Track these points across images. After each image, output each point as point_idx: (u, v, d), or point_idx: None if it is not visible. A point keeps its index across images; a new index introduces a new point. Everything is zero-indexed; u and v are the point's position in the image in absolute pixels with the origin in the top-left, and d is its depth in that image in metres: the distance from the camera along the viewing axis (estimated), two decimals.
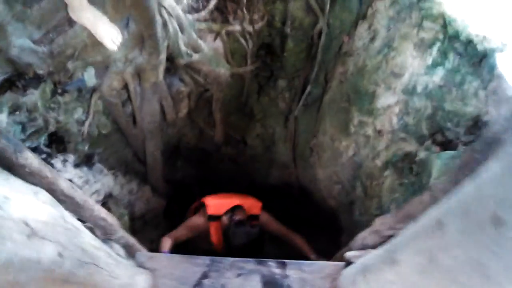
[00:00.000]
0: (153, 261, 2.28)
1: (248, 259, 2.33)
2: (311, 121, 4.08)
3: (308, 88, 3.92)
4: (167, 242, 3.39)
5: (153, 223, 4.46)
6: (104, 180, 3.57)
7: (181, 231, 3.58)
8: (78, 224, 1.44)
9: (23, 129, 2.96)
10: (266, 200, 5.40)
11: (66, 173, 3.19)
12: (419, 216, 1.50)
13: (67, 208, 1.55)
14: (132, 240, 2.37)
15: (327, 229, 5.01)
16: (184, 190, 5.04)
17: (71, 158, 3.26)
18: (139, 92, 3.46)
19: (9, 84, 2.75)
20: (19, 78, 2.87)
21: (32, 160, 1.29)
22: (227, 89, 3.99)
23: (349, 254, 2.20)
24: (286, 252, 4.26)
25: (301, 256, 3.60)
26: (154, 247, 4.41)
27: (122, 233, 2.16)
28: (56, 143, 3.22)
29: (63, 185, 1.50)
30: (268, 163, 4.77)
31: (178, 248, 3.51)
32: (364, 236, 2.09)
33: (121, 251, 2.16)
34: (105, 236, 2.03)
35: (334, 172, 3.81)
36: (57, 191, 1.47)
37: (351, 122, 3.32)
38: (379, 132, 3.03)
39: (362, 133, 3.18)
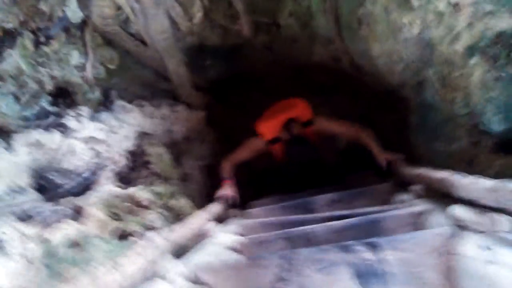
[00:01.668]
0: (212, 274, 1.83)
1: (328, 246, 1.84)
2: None
3: None
4: (227, 167, 3.40)
5: (199, 138, 4.04)
6: (131, 119, 3.09)
7: (242, 154, 3.56)
8: None
9: (16, 100, 2.44)
10: (313, 79, 4.85)
11: (84, 130, 2.71)
12: None
13: None
14: (183, 231, 1.95)
15: (387, 105, 4.43)
16: (220, 89, 4.50)
17: (85, 110, 2.76)
18: (140, 9, 2.77)
19: None
20: None
21: None
22: None
23: (463, 215, 1.68)
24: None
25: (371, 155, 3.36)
26: (207, 163, 4.06)
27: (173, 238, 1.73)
28: (63, 98, 2.70)
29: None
30: (309, 41, 4.07)
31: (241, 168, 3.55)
32: (476, 189, 1.54)
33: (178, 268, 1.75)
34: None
35: (394, 49, 3.11)
36: None
37: None
38: (455, 6, 2.28)
39: (431, 9, 2.42)
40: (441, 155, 3.03)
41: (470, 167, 2.61)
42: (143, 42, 3.02)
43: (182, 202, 3.07)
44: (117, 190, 2.64)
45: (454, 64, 2.40)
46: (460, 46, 2.32)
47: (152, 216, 2.53)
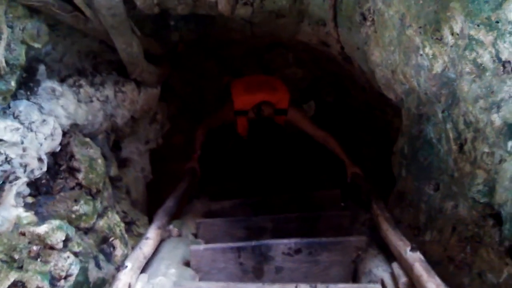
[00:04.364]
0: None
1: None
2: None
3: None
4: (201, 135, 3.51)
5: (147, 118, 3.39)
6: (59, 108, 2.41)
7: (214, 121, 3.70)
8: None
9: None
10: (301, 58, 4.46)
11: None
12: None
13: None
14: None
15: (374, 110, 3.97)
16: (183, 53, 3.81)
17: None
18: None
19: None
20: None
21: None
22: None
23: None
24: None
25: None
26: (155, 145, 3.50)
27: None
28: None
29: None
30: (297, 18, 3.40)
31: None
32: None
33: None
34: None
35: (402, 69, 2.52)
36: None
37: (447, 26, 1.93)
38: (504, 65, 1.69)
39: (470, 56, 1.82)
40: (430, 204, 2.56)
41: (465, 251, 2.15)
42: (84, 13, 2.28)
43: (113, 220, 2.51)
44: (25, 216, 2.03)
45: (483, 135, 1.85)
46: (498, 118, 1.75)
47: (64, 262, 1.98)
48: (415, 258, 1.89)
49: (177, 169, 3.76)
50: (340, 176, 3.49)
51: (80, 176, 2.37)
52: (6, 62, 2.01)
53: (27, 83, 2.31)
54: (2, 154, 2.08)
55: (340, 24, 3.16)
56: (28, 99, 2.28)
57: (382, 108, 3.92)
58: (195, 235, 2.74)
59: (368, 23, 2.77)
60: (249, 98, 3.47)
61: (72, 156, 2.39)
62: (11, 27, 2.04)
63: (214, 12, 2.96)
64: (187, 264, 2.35)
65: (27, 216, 2.04)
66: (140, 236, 2.77)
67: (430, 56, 2.13)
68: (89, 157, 2.43)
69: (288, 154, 4.24)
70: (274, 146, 3.78)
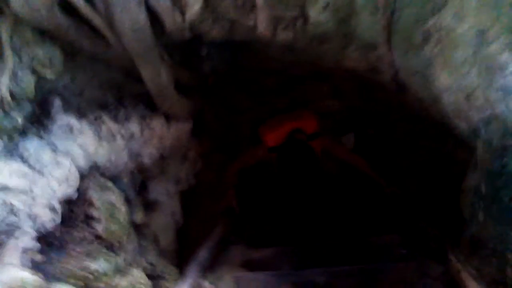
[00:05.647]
0: None
1: None
2: None
3: None
4: (231, 175, 3.45)
5: (178, 156, 3.04)
6: (76, 147, 2.07)
7: (244, 161, 3.62)
8: None
9: None
10: (339, 88, 4.15)
11: None
12: None
13: None
14: None
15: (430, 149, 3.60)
16: (216, 86, 3.51)
17: None
18: None
19: None
20: None
21: None
22: None
23: None
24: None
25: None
26: (186, 186, 3.14)
27: None
28: None
29: None
30: (342, 42, 3.03)
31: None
32: None
33: None
34: None
35: (481, 94, 2.10)
36: None
37: None
38: None
39: None
40: None
41: None
42: (104, 39, 1.97)
43: (138, 278, 2.13)
44: (31, 281, 1.67)
45: None
46: None
47: None
48: None
49: (207, 208, 3.48)
50: (396, 219, 3.08)
51: (100, 227, 2.01)
52: (12, 95, 1.68)
53: (40, 119, 1.99)
54: (6, 204, 1.74)
55: (395, 46, 2.79)
56: (40, 138, 1.95)
57: (441, 139, 3.51)
58: None
59: (432, 43, 2.39)
60: (278, 132, 3.46)
61: (90, 204, 2.03)
62: (18, 54, 1.73)
63: (251, 37, 2.63)
64: None
65: (34, 280, 1.68)
66: None
67: None
68: (110, 204, 2.07)
69: (330, 192, 4.02)
70: (312, 180, 3.55)
